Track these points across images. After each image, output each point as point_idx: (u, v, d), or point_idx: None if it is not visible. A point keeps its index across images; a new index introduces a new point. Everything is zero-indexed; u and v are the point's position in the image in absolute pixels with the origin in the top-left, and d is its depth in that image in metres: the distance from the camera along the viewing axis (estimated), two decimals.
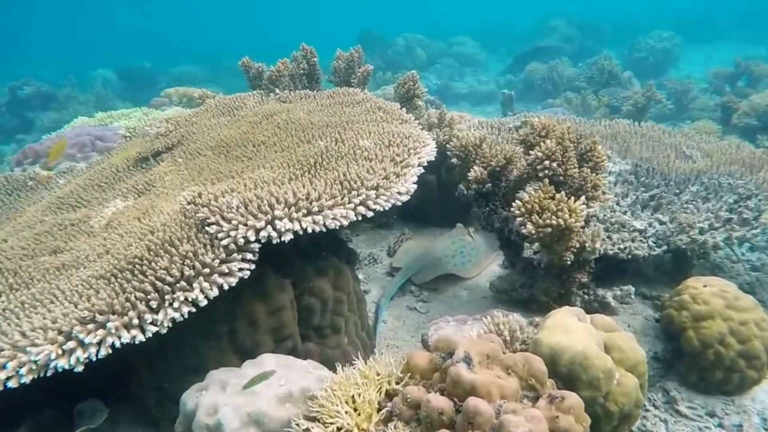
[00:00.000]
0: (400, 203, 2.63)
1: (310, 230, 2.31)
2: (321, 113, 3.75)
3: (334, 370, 2.40)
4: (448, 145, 3.67)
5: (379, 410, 1.85)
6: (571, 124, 3.18)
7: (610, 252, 3.20)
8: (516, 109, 8.78)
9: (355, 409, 1.86)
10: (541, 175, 2.83)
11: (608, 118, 6.10)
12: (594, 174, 2.92)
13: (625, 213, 3.68)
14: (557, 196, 2.63)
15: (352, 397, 1.88)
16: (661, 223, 3.55)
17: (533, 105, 10.92)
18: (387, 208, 2.55)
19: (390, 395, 1.92)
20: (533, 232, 2.62)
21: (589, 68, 10.86)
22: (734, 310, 2.85)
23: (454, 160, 3.56)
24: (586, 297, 3.20)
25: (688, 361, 2.93)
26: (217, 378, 2.20)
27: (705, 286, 3.02)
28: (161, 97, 7.36)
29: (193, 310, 2.16)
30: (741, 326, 2.85)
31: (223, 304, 2.46)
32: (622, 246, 3.21)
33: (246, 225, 2.28)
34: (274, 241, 2.28)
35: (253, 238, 2.26)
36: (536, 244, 3.58)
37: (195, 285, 2.16)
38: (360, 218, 2.47)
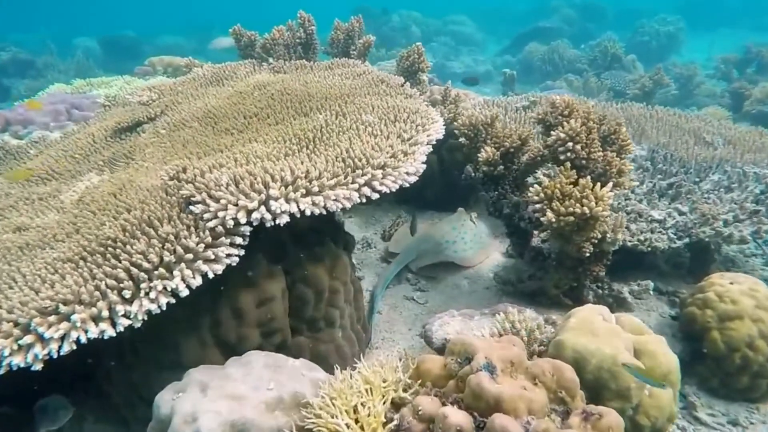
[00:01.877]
0: (407, 184, 2.36)
1: (309, 212, 2.04)
2: (319, 85, 3.44)
3: (326, 367, 2.16)
4: (454, 123, 3.40)
5: (384, 424, 1.60)
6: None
7: (629, 244, 2.97)
8: (516, 90, 8.48)
9: (357, 421, 1.62)
10: (562, 158, 2.58)
11: (614, 101, 5.84)
12: (619, 158, 2.66)
13: (641, 201, 3.45)
14: (581, 181, 2.38)
15: (354, 407, 1.64)
16: (681, 213, 3.32)
17: (531, 87, 10.60)
18: (394, 190, 2.28)
19: (397, 405, 1.68)
20: (553, 220, 2.37)
21: (592, 50, 10.55)
22: (765, 310, 2.64)
23: (461, 139, 3.28)
24: (600, 291, 2.97)
25: (710, 364, 2.72)
26: (197, 378, 1.94)
27: (732, 283, 2.81)
28: (145, 65, 6.94)
29: (173, 301, 1.88)
30: None
31: (206, 292, 2.19)
32: (641, 237, 2.98)
33: (236, 205, 2.00)
34: (268, 224, 2.00)
35: (244, 221, 1.98)
36: (545, 232, 3.35)
37: (176, 272, 1.88)
38: (364, 200, 2.20)
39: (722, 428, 2.59)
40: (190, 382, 1.95)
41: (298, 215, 2.03)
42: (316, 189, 2.05)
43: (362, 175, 2.19)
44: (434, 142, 2.74)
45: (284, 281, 2.34)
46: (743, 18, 19.14)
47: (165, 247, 1.92)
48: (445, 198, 4.59)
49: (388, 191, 2.25)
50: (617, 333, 2.01)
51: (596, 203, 2.29)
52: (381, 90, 3.33)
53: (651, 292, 2.95)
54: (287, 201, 2.00)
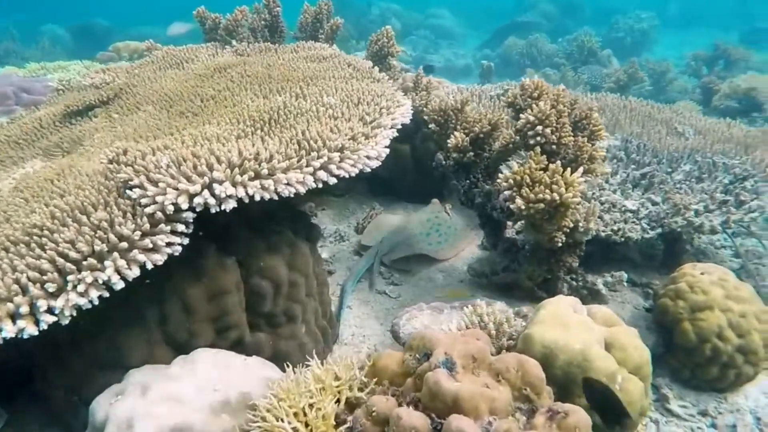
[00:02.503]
0: (369, 169, 2.21)
1: (258, 197, 1.88)
2: (282, 67, 3.26)
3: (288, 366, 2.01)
4: (425, 109, 3.25)
5: (336, 426, 1.46)
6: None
7: (603, 234, 2.88)
8: (495, 82, 8.38)
9: (307, 425, 1.47)
10: (532, 142, 2.46)
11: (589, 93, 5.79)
12: (590, 144, 2.56)
13: (615, 192, 3.37)
14: (551, 166, 2.27)
15: (303, 408, 1.49)
16: (654, 203, 3.25)
17: (510, 80, 10.54)
18: (353, 175, 2.13)
19: (352, 406, 1.54)
20: (522, 207, 2.25)
21: (569, 44, 10.54)
22: (734, 300, 2.58)
23: (431, 125, 3.15)
24: (574, 283, 2.88)
25: (681, 356, 2.65)
26: (138, 380, 1.77)
27: (703, 273, 2.74)
28: (109, 51, 6.66)
29: (106, 294, 1.71)
30: (740, 318, 2.58)
31: (153, 285, 2.02)
32: (615, 227, 2.89)
33: (177, 189, 1.82)
34: (213, 210, 1.84)
35: (185, 206, 1.81)
36: (519, 223, 3.24)
37: (108, 263, 1.71)
38: (320, 185, 2.05)
39: (693, 419, 2.54)
40: (130, 384, 1.79)
41: (247, 200, 1.86)
42: (265, 172, 1.89)
43: (318, 158, 2.04)
44: (400, 126, 2.60)
45: (238, 273, 2.18)
46: (712, 17, 19.45)
47: (97, 235, 1.75)
48: (419, 189, 4.46)
49: (347, 175, 2.10)
50: (588, 326, 1.90)
51: (566, 189, 2.18)
52: (347, 73, 3.18)
53: (625, 284, 2.87)
54: (233, 185, 1.84)
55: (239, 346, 2.19)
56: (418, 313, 2.40)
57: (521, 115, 2.52)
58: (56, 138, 3.09)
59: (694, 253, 3.76)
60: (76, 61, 5.50)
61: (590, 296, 2.87)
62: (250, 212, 2.27)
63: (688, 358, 2.63)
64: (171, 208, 1.80)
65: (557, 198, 2.17)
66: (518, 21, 14.66)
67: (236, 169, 1.86)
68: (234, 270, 2.14)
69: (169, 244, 1.82)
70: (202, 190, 1.82)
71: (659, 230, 3.02)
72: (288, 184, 1.94)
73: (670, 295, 2.74)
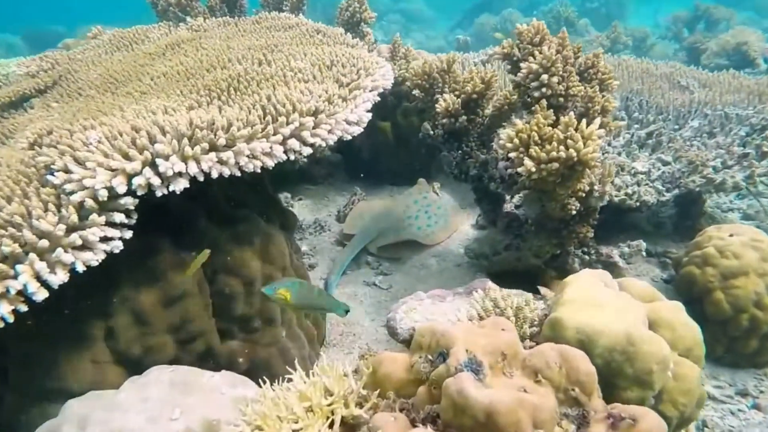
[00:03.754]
0: (349, 136, 1.86)
1: (215, 173, 1.51)
2: (243, 38, 2.88)
3: (270, 376, 1.64)
4: (406, 74, 2.90)
5: None
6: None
7: (616, 199, 2.57)
8: None
9: None
10: (536, 95, 2.12)
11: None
12: (601, 95, 2.24)
13: (620, 155, 3.06)
14: (564, 119, 1.93)
15: None
16: (665, 163, 2.95)
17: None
18: (331, 143, 1.77)
19: (350, 428, 1.19)
20: (533, 170, 1.92)
21: (545, 16, 10.26)
22: None
23: (415, 91, 2.80)
24: (587, 257, 2.56)
25: (714, 330, 2.35)
26: (75, 412, 1.40)
27: (732, 235, 2.45)
28: (59, 48, 6.12)
29: (23, 307, 1.33)
30: None
31: (95, 293, 1.64)
32: (629, 191, 2.58)
33: (110, 169, 1.44)
34: (159, 192, 1.46)
35: (122, 189, 1.43)
36: (518, 195, 2.91)
37: (23, 267, 1.32)
38: (293, 156, 1.69)
39: (731, 401, 2.25)
40: (66, 419, 1.41)
41: (202, 177, 1.49)
42: (222, 142, 1.52)
43: (287, 124, 1.67)
44: (381, 90, 2.25)
45: (201, 272, 1.80)
46: None
47: (9, 233, 1.36)
48: (403, 170, 4.11)
49: (323, 144, 1.74)
50: (627, 302, 1.58)
51: (584, 144, 1.85)
52: (317, 40, 2.80)
53: (643, 254, 2.56)
54: (183, 159, 1.46)
55: (208, 359, 1.82)
56: (417, 303, 2.05)
57: (521, 65, 2.18)
58: None
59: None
60: (19, 57, 4.99)
61: (606, 270, 2.55)
62: (212, 198, 1.90)
63: (722, 332, 2.34)
64: (104, 193, 1.42)
65: (574, 155, 1.84)
66: None
67: (185, 141, 1.48)
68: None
69: (105, 239, 1.44)
70: (143, 168, 1.44)
71: (676, 192, 2.72)
72: (252, 156, 1.57)
73: (697, 263, 2.45)
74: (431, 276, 3.02)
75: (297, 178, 4.17)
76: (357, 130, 1.91)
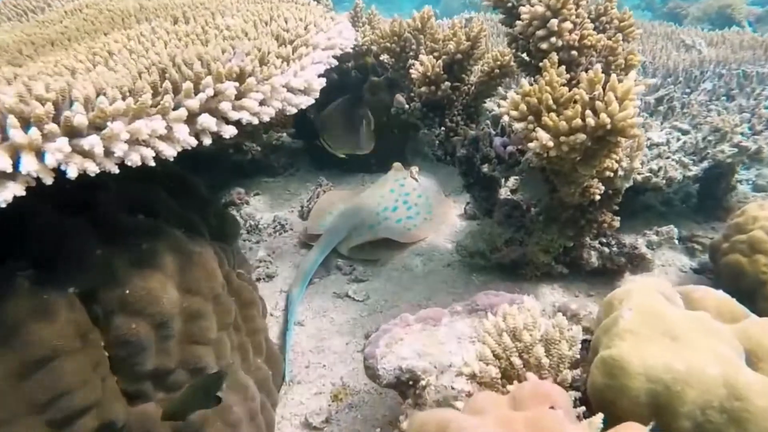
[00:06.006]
0: (293, 109, 1.31)
1: (73, 173, 0.94)
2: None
3: None
4: (371, 36, 2.35)
5: None
6: None
7: (639, 177, 2.08)
8: None
9: None
10: (544, 46, 1.60)
11: None
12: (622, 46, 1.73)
13: None
14: (588, 75, 1.42)
15: None
16: (684, 132, 2.48)
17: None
18: (265, 119, 1.22)
19: None
20: (550, 145, 1.40)
21: None
22: None
23: (383, 57, 2.25)
24: (606, 249, 2.08)
25: None
26: None
27: None
28: None
29: None
30: None
31: None
32: (653, 166, 2.10)
33: None
34: None
35: None
36: (514, 179, 2.41)
37: None
38: (207, 141, 1.13)
39: None
40: None
41: (50, 180, 0.93)
42: (81, 121, 0.95)
43: (196, 93, 1.11)
44: (339, 52, 1.69)
45: (85, 315, 1.24)
46: None
47: None
48: (373, 154, 3.55)
49: (254, 121, 1.18)
50: (708, 326, 1.08)
51: (619, 104, 1.34)
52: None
53: (675, 241, 2.09)
54: (10, 153, 0.89)
55: None
56: (403, 331, 1.53)
57: (521, 9, 1.64)
58: None
59: None
60: None
61: (630, 264, 2.08)
62: (104, 205, 1.33)
63: None
64: None
65: (607, 121, 1.33)
66: None
67: (11, 120, 0.91)
68: (72, 311, 1.20)
69: None
70: None
71: (704, 164, 2.25)
72: (135, 141, 1.01)
73: (742, 250, 1.99)
74: (416, 281, 2.50)
75: (252, 170, 3.58)
76: (305, 101, 1.36)
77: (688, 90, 2.85)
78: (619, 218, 1.88)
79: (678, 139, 2.43)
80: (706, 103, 2.70)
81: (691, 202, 2.72)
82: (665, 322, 1.07)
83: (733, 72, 2.79)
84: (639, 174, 2.09)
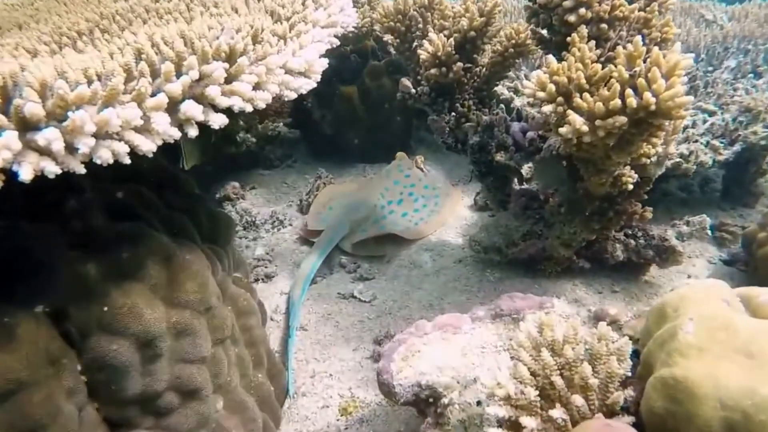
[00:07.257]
0: (293, 94, 1.13)
1: (27, 176, 0.77)
2: None
3: None
4: (373, 16, 2.17)
5: None
6: None
7: (669, 163, 1.91)
8: None
9: None
10: (572, 19, 1.43)
11: None
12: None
13: None
14: (627, 49, 1.25)
15: None
16: (710, 113, 2.32)
17: None
18: (260, 106, 1.04)
19: None
20: (585, 130, 1.23)
21: None
22: None
23: (387, 37, 2.07)
24: (632, 242, 1.92)
25: None
26: None
27: None
28: None
29: None
30: None
31: None
32: (683, 151, 1.93)
33: None
34: None
35: None
36: (527, 166, 2.25)
37: None
38: (192, 132, 0.96)
39: None
40: None
41: None
42: (35, 112, 0.78)
43: (178, 76, 0.94)
44: (340, 31, 1.51)
45: (54, 336, 1.07)
46: None
47: None
48: (375, 143, 3.39)
49: (247, 108, 1.01)
50: None
51: (665, 82, 1.17)
52: None
53: (708, 232, 1.93)
54: None
55: None
56: (420, 341, 1.37)
57: None
58: None
59: None
60: None
61: (659, 257, 1.92)
62: (70, 206, 1.16)
63: None
64: None
65: (652, 101, 1.16)
66: None
67: None
68: (39, 334, 1.04)
69: None
70: None
71: (736, 148, 2.08)
72: (105, 134, 0.84)
73: None
74: (426, 278, 2.34)
75: (247, 162, 3.41)
76: (305, 84, 1.19)
77: (710, 68, 2.68)
78: (651, 209, 1.71)
79: (704, 121, 2.26)
80: (731, 82, 2.54)
81: (709, 188, 2.56)
82: (737, 335, 0.91)
83: (760, 47, 2.61)
84: (669, 159, 1.92)
